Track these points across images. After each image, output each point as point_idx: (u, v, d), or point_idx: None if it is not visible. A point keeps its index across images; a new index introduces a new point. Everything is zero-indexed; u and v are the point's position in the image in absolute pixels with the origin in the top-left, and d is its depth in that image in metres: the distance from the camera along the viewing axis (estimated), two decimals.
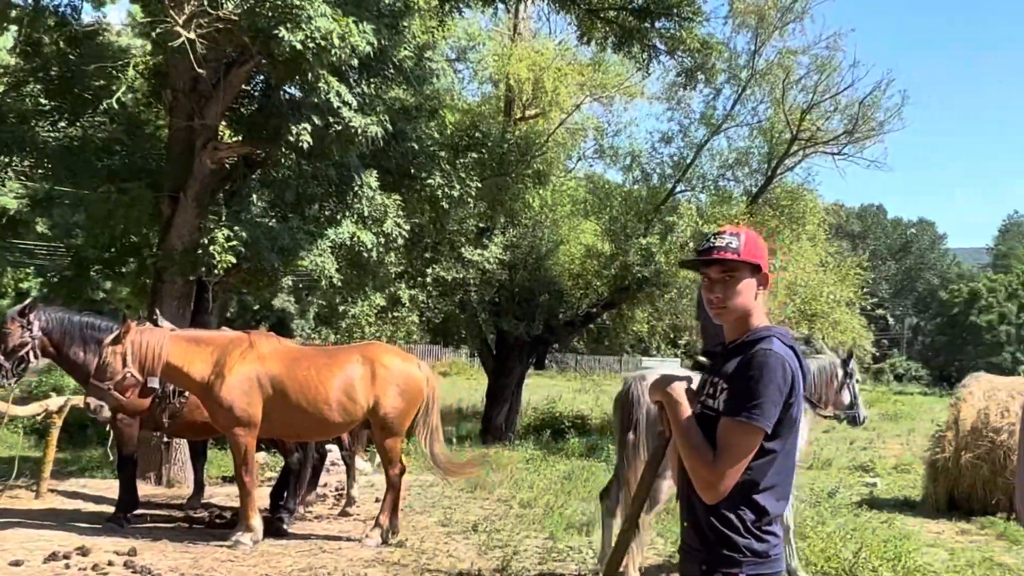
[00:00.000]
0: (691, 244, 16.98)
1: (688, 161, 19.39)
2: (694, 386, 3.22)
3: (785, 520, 8.05)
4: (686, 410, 3.04)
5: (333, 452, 11.46)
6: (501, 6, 15.31)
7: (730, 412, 2.93)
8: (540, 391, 25.61)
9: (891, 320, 79.73)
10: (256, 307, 34.29)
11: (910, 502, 13.20)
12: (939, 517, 12.02)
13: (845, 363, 8.65)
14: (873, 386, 64.26)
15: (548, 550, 8.84)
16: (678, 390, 3.09)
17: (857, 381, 8.70)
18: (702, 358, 7.37)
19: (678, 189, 19.24)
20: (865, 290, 20.98)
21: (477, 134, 14.40)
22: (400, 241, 11.89)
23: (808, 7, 18.70)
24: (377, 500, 9.90)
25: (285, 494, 9.27)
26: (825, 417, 8.95)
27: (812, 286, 18.44)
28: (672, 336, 19.83)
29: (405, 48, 11.64)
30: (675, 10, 14.52)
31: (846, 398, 8.60)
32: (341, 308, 13.66)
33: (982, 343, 70.41)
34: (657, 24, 14.96)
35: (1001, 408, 12.51)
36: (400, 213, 11.77)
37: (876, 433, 24.32)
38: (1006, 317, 71.46)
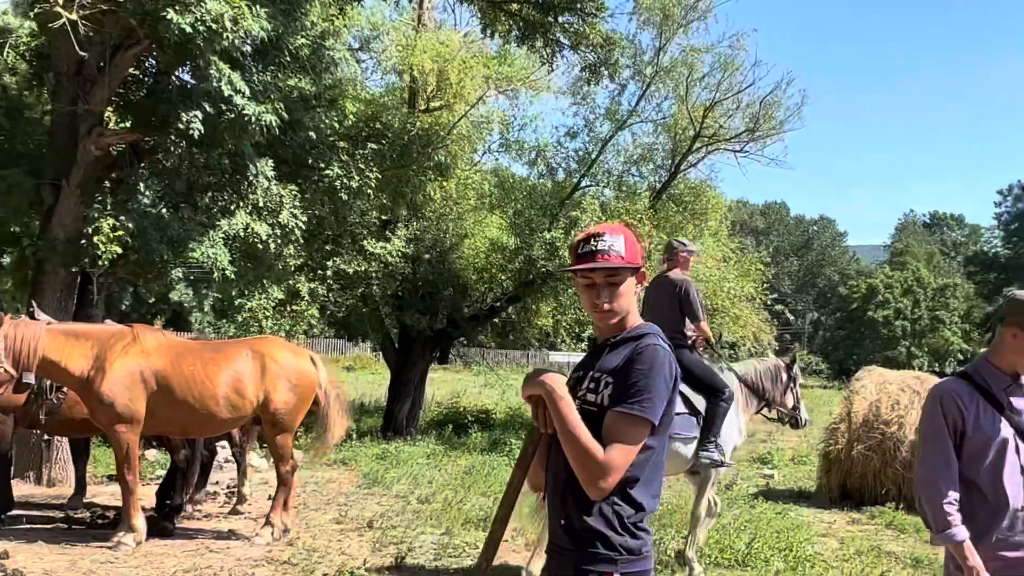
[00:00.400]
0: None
1: (593, 156, 19.42)
2: None
3: (698, 510, 8.15)
4: (571, 404, 2.93)
5: (227, 449, 11.18)
6: None
7: (620, 404, 2.89)
8: (445, 386, 25.49)
9: (791, 316, 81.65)
10: (152, 300, 33.38)
11: (805, 493, 13.47)
12: (832, 507, 12.31)
13: (789, 367, 8.94)
14: None
15: (444, 546, 8.75)
16: (560, 383, 2.96)
17: (800, 385, 8.96)
18: None
19: (583, 184, 19.26)
20: (766, 285, 21.28)
21: (378, 125, 14.17)
22: (297, 233, 11.61)
23: (712, 7, 18.89)
24: (270, 498, 9.66)
25: (172, 492, 8.99)
26: (770, 419, 9.34)
27: (714, 281, 18.65)
28: (577, 331, 19.86)
29: (303, 35, 11.37)
30: (578, 4, 14.50)
31: (790, 401, 8.89)
32: (237, 301, 13.29)
33: (879, 337, 72.57)
34: (560, 18, 14.93)
35: (892, 401, 12.85)
36: (297, 204, 11.50)
37: (775, 425, 24.81)
38: (902, 312, 73.77)
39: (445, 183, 15.99)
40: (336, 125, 12.96)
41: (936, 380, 13.94)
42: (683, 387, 7.05)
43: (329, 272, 14.10)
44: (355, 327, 18.02)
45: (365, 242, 14.15)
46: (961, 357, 74.25)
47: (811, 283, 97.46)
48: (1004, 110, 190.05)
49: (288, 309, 14.83)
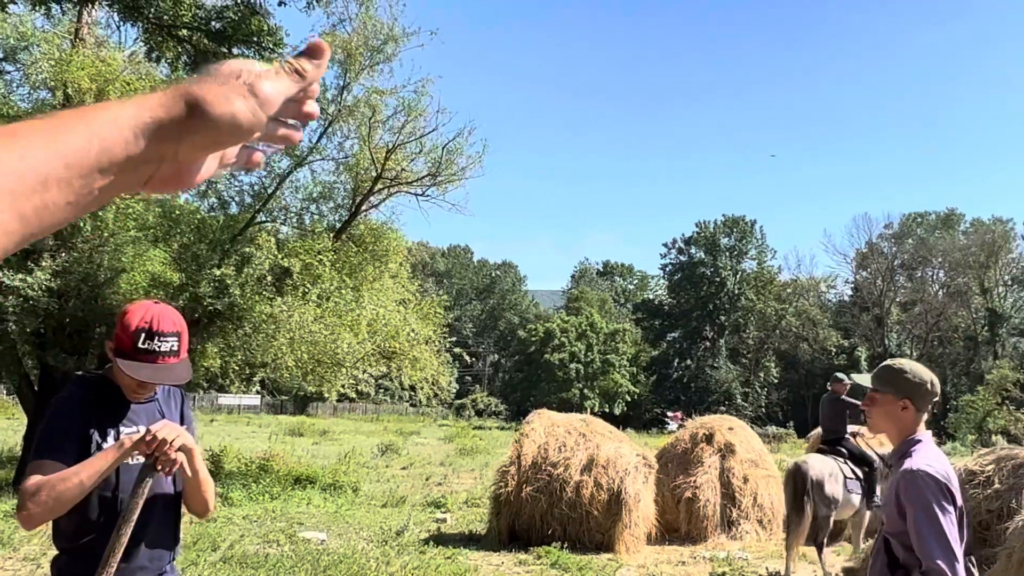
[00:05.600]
0: (269, 277, 16.30)
1: (270, 191, 18.68)
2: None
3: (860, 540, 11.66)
4: None
5: None
6: (56, 7, 13.78)
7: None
8: None
9: (471, 359, 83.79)
10: None
11: (476, 536, 13.41)
12: (501, 549, 12.35)
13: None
14: (454, 421, 67.06)
15: None
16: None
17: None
18: (824, 446, 11.78)
19: (259, 219, 18.44)
20: (447, 328, 21.38)
21: None
22: None
23: (397, 52, 18.78)
24: None
25: None
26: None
27: (393, 324, 18.46)
28: (247, 373, 18.88)
29: None
30: (255, 38, 13.91)
31: None
32: None
33: (555, 380, 76.06)
34: (235, 50, 14.28)
35: (559, 443, 13.12)
36: None
37: (452, 468, 24.98)
38: (576, 356, 77.81)
39: (100, 212, 14.64)
40: None
41: (601, 421, 14.43)
42: (849, 462, 11.32)
43: None
44: None
45: (1, 273, 12.58)
46: (628, 399, 79.55)
47: (492, 326, 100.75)
48: (671, 167, 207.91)
49: None
